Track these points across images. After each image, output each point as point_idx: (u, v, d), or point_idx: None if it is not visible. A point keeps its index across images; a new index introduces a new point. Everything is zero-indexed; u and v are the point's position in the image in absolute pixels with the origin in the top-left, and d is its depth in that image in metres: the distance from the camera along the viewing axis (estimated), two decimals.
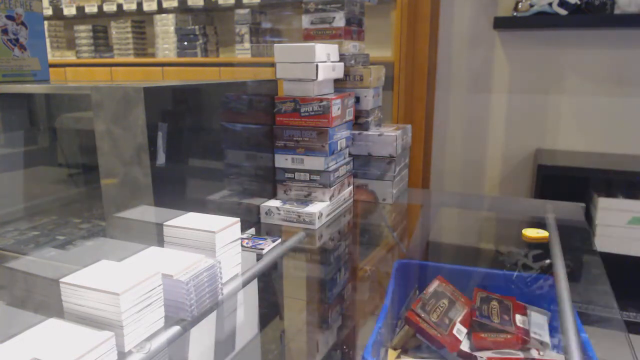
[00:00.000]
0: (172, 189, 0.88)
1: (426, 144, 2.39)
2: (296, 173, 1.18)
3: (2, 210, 1.20)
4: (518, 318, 0.87)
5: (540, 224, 1.15)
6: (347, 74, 1.30)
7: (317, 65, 1.11)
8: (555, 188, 2.04)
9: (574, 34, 2.23)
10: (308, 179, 1.17)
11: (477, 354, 0.82)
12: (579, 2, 2.06)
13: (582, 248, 1.13)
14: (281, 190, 1.20)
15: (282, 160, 1.18)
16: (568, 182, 2.13)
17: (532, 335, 0.85)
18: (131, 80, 1.39)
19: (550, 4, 2.09)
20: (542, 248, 1.06)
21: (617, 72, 2.19)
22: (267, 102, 1.16)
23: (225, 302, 0.76)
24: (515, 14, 2.18)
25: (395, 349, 0.85)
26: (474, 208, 1.56)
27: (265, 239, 1.01)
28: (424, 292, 0.90)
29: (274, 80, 1.19)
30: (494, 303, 0.90)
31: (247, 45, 2.80)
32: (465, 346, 0.84)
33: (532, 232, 1.09)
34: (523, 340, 0.84)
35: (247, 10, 2.76)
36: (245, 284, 0.83)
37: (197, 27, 2.92)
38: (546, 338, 0.85)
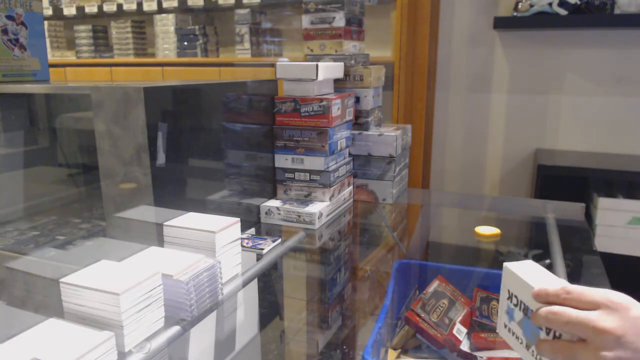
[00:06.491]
0: (172, 189, 0.88)
1: (426, 144, 2.39)
2: (296, 173, 1.17)
3: (2, 210, 1.20)
4: None
5: (540, 224, 1.15)
6: (347, 74, 1.30)
7: (317, 65, 1.11)
8: (555, 188, 2.04)
9: (574, 34, 2.23)
10: (308, 179, 1.17)
11: (477, 354, 0.82)
12: (579, 2, 2.06)
13: (582, 248, 1.13)
14: (281, 190, 1.20)
15: (282, 160, 1.18)
16: (568, 182, 2.13)
17: None
18: (131, 80, 1.38)
19: (550, 4, 2.09)
20: (541, 248, 1.06)
21: (617, 72, 2.19)
22: (267, 102, 1.16)
23: (225, 302, 0.76)
24: (515, 14, 2.18)
25: (395, 349, 0.85)
26: (474, 208, 1.56)
27: (265, 239, 1.01)
28: (424, 292, 0.89)
29: (274, 80, 1.19)
30: (494, 303, 0.90)
31: (247, 45, 2.80)
32: (465, 346, 0.84)
33: (484, 230, 1.17)
34: None
35: (247, 10, 2.76)
36: (245, 284, 0.83)
37: (197, 27, 2.92)
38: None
